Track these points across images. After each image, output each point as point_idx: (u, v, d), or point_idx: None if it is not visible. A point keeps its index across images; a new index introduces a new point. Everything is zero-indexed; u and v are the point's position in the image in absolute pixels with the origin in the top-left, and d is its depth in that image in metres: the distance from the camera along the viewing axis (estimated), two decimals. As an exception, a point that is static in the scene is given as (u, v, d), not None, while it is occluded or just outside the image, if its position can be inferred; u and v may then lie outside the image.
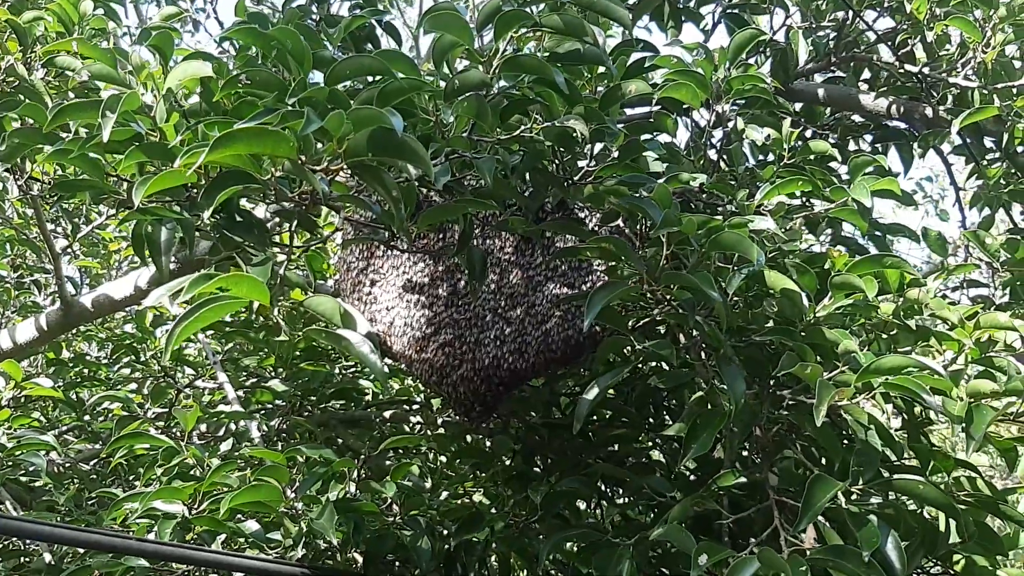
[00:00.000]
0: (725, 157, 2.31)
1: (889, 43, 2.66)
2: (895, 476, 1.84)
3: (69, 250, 3.46)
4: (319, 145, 1.40)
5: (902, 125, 2.87)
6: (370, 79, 1.76)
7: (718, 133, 2.34)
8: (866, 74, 3.01)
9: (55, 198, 2.06)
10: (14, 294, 4.28)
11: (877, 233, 2.85)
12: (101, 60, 1.67)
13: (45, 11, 2.48)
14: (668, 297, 1.92)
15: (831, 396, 1.73)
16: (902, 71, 2.61)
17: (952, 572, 2.37)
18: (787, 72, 2.58)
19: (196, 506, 2.16)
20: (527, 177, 2.06)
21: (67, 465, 3.44)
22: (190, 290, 1.36)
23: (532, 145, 1.90)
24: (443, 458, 3.36)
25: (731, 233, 1.78)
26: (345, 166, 1.43)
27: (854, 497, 1.84)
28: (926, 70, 2.56)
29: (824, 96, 2.79)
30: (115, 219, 3.09)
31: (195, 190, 1.74)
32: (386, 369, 3.41)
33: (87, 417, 3.64)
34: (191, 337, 3.74)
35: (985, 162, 2.76)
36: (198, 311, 1.43)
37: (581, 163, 2.10)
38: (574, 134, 1.79)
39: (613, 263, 2.07)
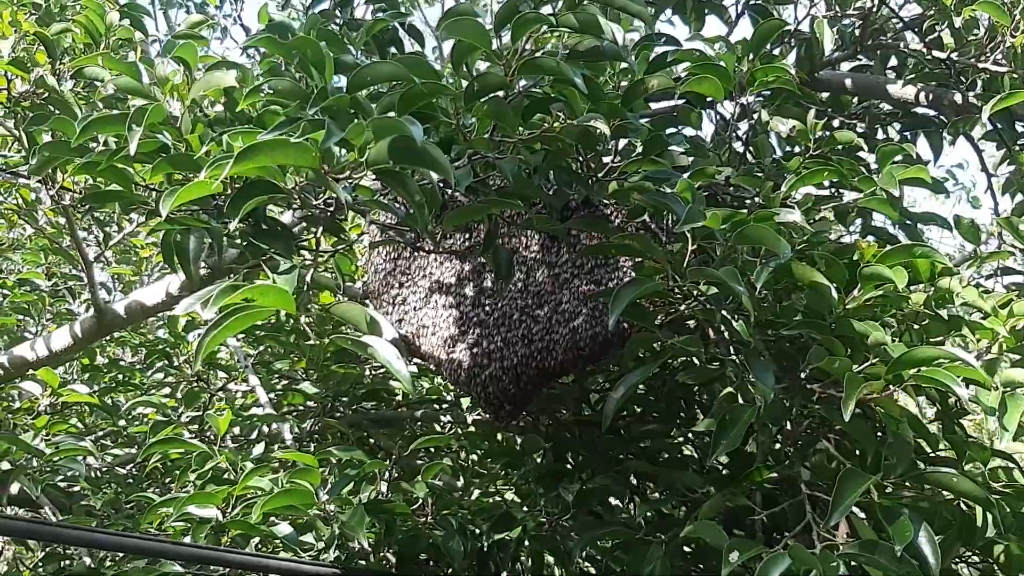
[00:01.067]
0: (751, 149, 2.29)
1: (916, 30, 2.62)
2: (928, 469, 1.82)
3: (102, 258, 3.51)
4: (342, 153, 1.41)
5: (931, 113, 2.83)
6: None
7: (743, 126, 2.33)
8: (893, 62, 2.97)
9: (86, 208, 2.09)
10: (48, 302, 4.34)
11: (908, 222, 2.81)
12: (126, 73, 1.70)
13: (72, 23, 2.52)
14: (695, 293, 1.91)
15: (860, 390, 1.71)
16: (929, 58, 2.57)
17: (991, 562, 2.34)
18: (813, 62, 2.55)
19: (230, 510, 2.19)
20: (551, 176, 2.06)
21: (104, 470, 3.49)
22: (217, 302, 1.38)
23: (554, 144, 1.90)
24: (474, 456, 3.38)
25: (757, 227, 1.76)
26: (368, 173, 1.44)
27: (887, 491, 1.82)
28: (954, 56, 2.51)
29: (851, 85, 2.75)
30: (146, 226, 3.13)
31: (222, 198, 1.76)
32: (413, 371, 3.43)
33: (122, 422, 3.70)
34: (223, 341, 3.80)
35: (1017, 148, 2.71)
36: (226, 320, 1.45)
37: (605, 159, 2.09)
38: (596, 132, 1.79)
39: (639, 259, 2.06)
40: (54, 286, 4.63)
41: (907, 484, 1.87)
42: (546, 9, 1.79)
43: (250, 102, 1.62)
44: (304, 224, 2.38)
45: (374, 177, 1.59)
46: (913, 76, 2.68)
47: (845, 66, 2.95)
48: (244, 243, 1.67)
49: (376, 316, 1.51)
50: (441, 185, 1.98)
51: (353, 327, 1.51)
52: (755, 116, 2.18)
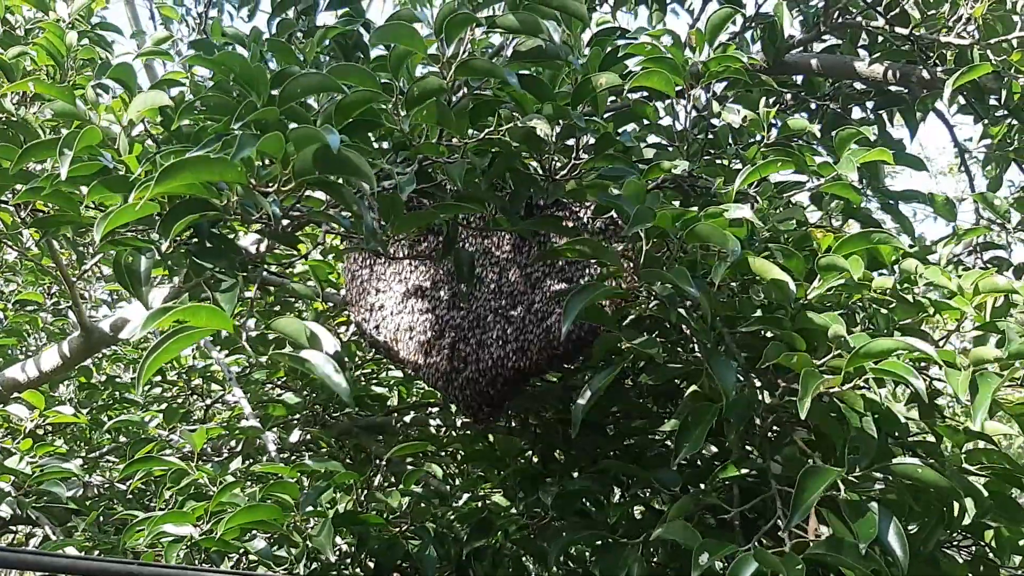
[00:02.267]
0: (712, 140, 2.25)
1: (879, 7, 2.57)
2: (894, 461, 1.79)
3: (88, 274, 3.51)
4: (266, 165, 1.39)
5: (903, 90, 2.79)
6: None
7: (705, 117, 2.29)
8: (864, 41, 2.92)
9: (43, 233, 2.08)
10: (46, 321, 4.36)
11: (891, 202, 2.77)
12: (59, 97, 1.69)
13: (31, 46, 2.51)
14: (653, 292, 1.88)
15: (818, 385, 1.68)
16: (894, 34, 2.53)
17: (983, 544, 2.30)
18: (777, 46, 2.51)
19: (206, 527, 2.18)
20: (507, 177, 2.03)
21: (106, 487, 3.50)
22: (146, 326, 1.37)
23: (505, 146, 1.87)
24: (462, 459, 3.36)
25: (706, 225, 1.74)
26: (296, 184, 1.42)
27: (855, 484, 1.79)
28: (918, 32, 2.47)
29: (819, 66, 2.71)
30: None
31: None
32: (398, 376, 3.42)
33: (123, 439, 3.71)
34: (208, 355, 3.80)
35: (986, 122, 2.66)
36: (164, 343, 1.44)
37: (562, 158, 2.07)
38: (540, 133, 1.76)
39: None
40: (56, 304, 4.66)
41: (874, 477, 1.84)
42: (489, 13, 1.77)
43: (183, 120, 1.60)
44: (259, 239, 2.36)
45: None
46: (880, 54, 2.64)
47: (817, 48, 2.91)
48: (187, 262, 1.66)
49: (316, 329, 1.50)
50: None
51: (293, 341, 1.50)
52: (712, 107, 2.14)
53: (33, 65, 2.63)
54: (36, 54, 2.51)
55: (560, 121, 1.85)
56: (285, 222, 1.91)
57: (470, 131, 1.86)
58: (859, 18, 2.63)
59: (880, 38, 2.72)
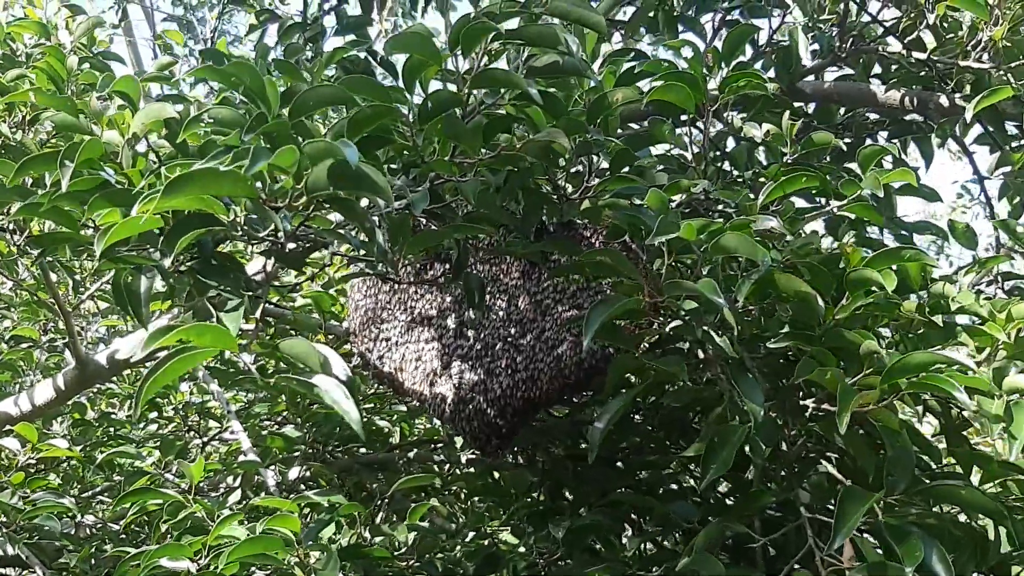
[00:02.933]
0: (728, 162, 2.20)
1: (896, 33, 2.54)
2: (935, 483, 1.71)
3: (83, 308, 3.43)
4: (279, 180, 1.33)
5: (918, 118, 2.74)
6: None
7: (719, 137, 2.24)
8: (877, 69, 2.89)
9: (38, 253, 2.02)
10: (39, 358, 4.27)
11: (904, 232, 2.71)
12: (62, 109, 1.63)
13: (32, 70, 2.46)
14: (675, 309, 1.81)
15: (854, 401, 1.61)
16: (911, 60, 2.49)
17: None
18: (791, 71, 2.47)
19: (204, 561, 2.09)
20: (520, 198, 1.98)
21: (98, 527, 3.40)
22: (148, 345, 1.29)
23: (519, 162, 1.82)
24: (467, 499, 3.26)
25: (733, 235, 1.67)
26: (308, 200, 1.35)
27: (893, 509, 1.71)
28: (936, 56, 2.43)
29: (834, 92, 2.67)
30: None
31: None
32: (402, 411, 3.34)
33: (118, 477, 3.60)
34: (207, 390, 3.71)
35: (1008, 148, 2.62)
36: (164, 364, 1.37)
37: (574, 180, 2.01)
38: (557, 148, 1.70)
39: (615, 279, 1.97)
40: (51, 341, 4.57)
41: (912, 500, 1.76)
42: (507, 26, 1.73)
43: (190, 133, 1.54)
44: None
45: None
46: (896, 80, 2.60)
47: (829, 76, 2.87)
48: (191, 280, 1.58)
49: (328, 354, 1.42)
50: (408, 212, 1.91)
51: (303, 365, 1.42)
52: (726, 126, 2.09)
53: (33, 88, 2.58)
54: (36, 77, 2.46)
55: (575, 138, 1.79)
56: (292, 245, 1.85)
57: (483, 150, 1.81)
58: (873, 44, 2.59)
59: (894, 66, 2.68)
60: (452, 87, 1.69)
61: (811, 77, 2.73)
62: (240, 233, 1.48)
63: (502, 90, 1.75)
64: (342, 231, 1.74)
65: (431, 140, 1.72)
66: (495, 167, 1.77)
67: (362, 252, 2.21)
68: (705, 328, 1.77)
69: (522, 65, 1.83)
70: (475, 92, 1.70)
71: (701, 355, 1.99)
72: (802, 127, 2.72)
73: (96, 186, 1.58)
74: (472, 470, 3.09)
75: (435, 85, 1.72)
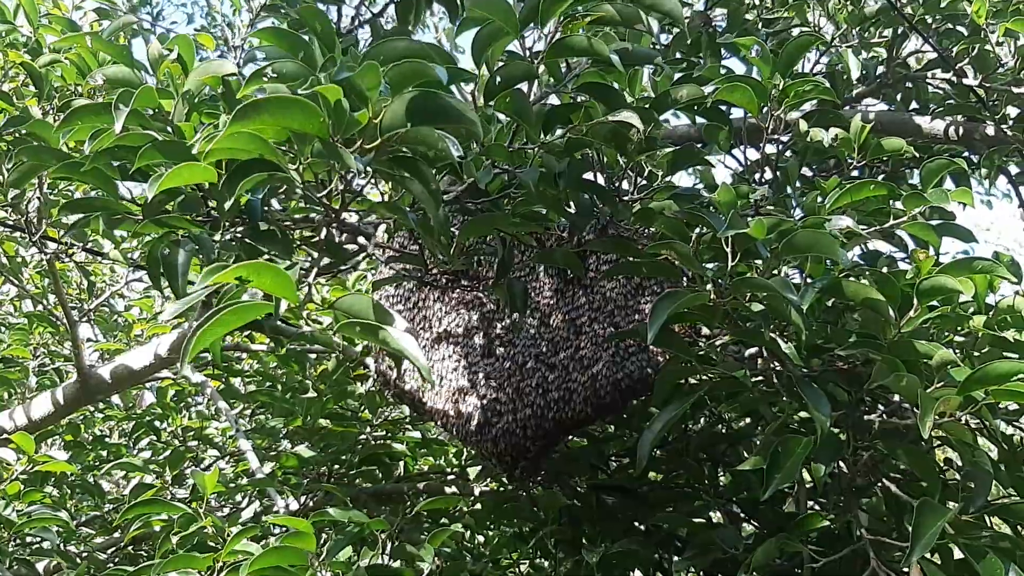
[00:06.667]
0: (779, 175, 2.15)
1: (943, 61, 2.51)
2: (1013, 500, 1.61)
3: (87, 317, 3.31)
4: (352, 117, 1.24)
5: (962, 150, 2.71)
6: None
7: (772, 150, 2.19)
8: (914, 105, 2.86)
9: (67, 231, 1.91)
10: (32, 382, 4.13)
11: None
12: (119, 60, 1.55)
13: (59, 64, 2.39)
14: (737, 310, 1.72)
15: (936, 407, 1.51)
16: (958, 87, 2.46)
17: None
18: (838, 94, 2.44)
19: (215, 577, 1.95)
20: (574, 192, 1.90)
21: (85, 555, 3.23)
22: (205, 279, 1.19)
23: (583, 146, 1.74)
24: (480, 537, 3.13)
25: (808, 233, 1.59)
26: (380, 144, 1.27)
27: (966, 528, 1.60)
28: (985, 84, 2.40)
29: (877, 122, 2.63)
30: (130, 249, 2.92)
31: (213, 207, 1.59)
32: (416, 437, 3.21)
33: (107, 507, 3.45)
34: (212, 415, 3.58)
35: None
36: (218, 314, 1.26)
37: (626, 185, 1.95)
38: (629, 131, 1.63)
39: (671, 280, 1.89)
40: (41, 366, 4.42)
41: (980, 522, 1.65)
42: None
43: (252, 88, 1.47)
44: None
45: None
46: (941, 110, 2.57)
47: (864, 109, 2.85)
48: (239, 247, 1.49)
49: (386, 308, 1.33)
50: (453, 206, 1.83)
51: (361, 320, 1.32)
52: (789, 133, 2.03)
53: (61, 82, 2.52)
54: (67, 63, 2.39)
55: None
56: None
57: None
58: (920, 71, 2.56)
59: (940, 95, 2.65)
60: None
61: (847, 107, 2.71)
62: (302, 188, 1.39)
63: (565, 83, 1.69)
64: (395, 213, 1.65)
65: (494, 121, 1.65)
66: (559, 152, 1.70)
67: (409, 245, 2.13)
68: (772, 334, 1.68)
69: (584, 61, 1.77)
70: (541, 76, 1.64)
71: (761, 364, 1.90)
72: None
73: (146, 143, 1.50)
74: (478, 506, 2.95)
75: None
